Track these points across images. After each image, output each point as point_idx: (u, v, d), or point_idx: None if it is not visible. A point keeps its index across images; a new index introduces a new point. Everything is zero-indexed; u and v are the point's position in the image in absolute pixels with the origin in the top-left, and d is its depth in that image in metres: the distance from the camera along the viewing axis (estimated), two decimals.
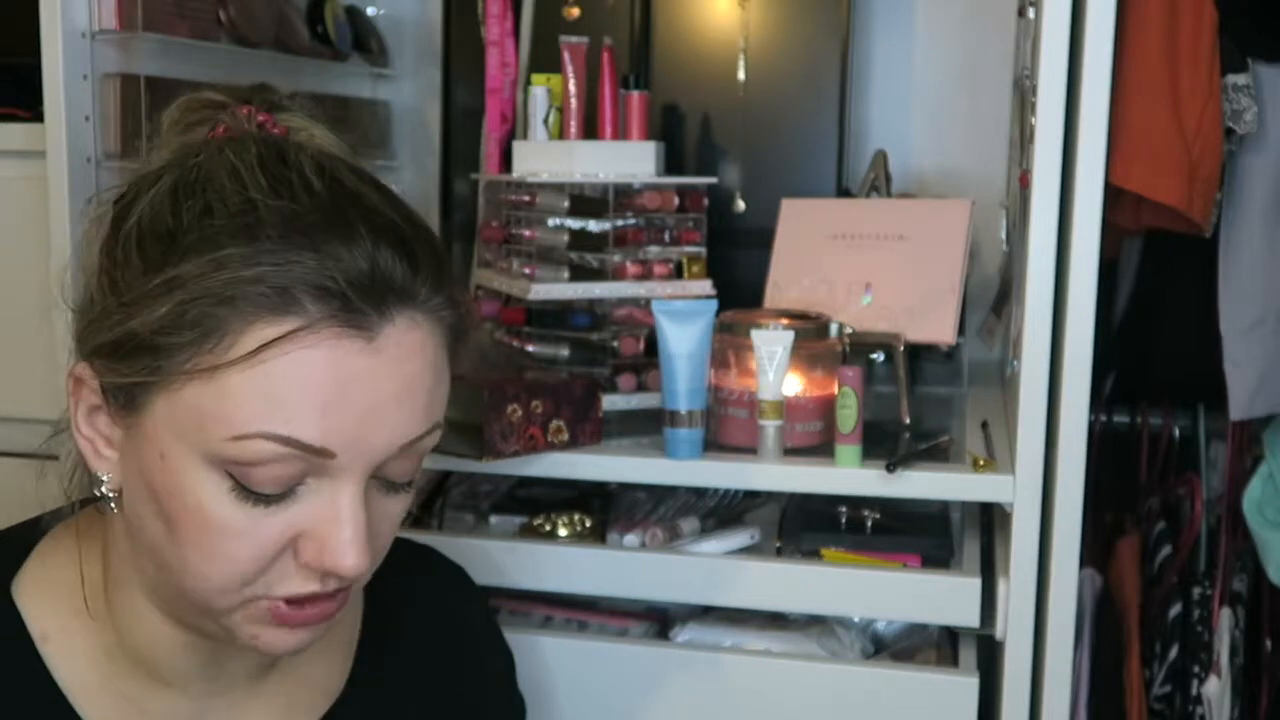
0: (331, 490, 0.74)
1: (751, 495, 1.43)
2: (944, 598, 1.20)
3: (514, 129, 1.67)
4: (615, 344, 1.41)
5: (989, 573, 1.23)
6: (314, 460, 0.73)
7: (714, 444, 1.28)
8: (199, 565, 0.74)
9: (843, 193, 1.70)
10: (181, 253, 0.72)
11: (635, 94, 1.47)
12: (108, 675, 0.83)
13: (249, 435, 0.71)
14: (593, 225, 1.41)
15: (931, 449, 1.26)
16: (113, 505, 0.79)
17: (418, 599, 1.00)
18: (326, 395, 0.72)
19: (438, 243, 0.80)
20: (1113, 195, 1.27)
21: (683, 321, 1.24)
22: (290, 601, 0.76)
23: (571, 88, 1.48)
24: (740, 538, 1.32)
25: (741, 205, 1.69)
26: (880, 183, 1.62)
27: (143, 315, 0.72)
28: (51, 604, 0.82)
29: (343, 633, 0.94)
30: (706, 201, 1.46)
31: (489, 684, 1.04)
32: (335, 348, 0.72)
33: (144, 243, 0.74)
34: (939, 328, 1.39)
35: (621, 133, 1.47)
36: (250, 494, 0.73)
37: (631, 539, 1.32)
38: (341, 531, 0.74)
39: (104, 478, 0.78)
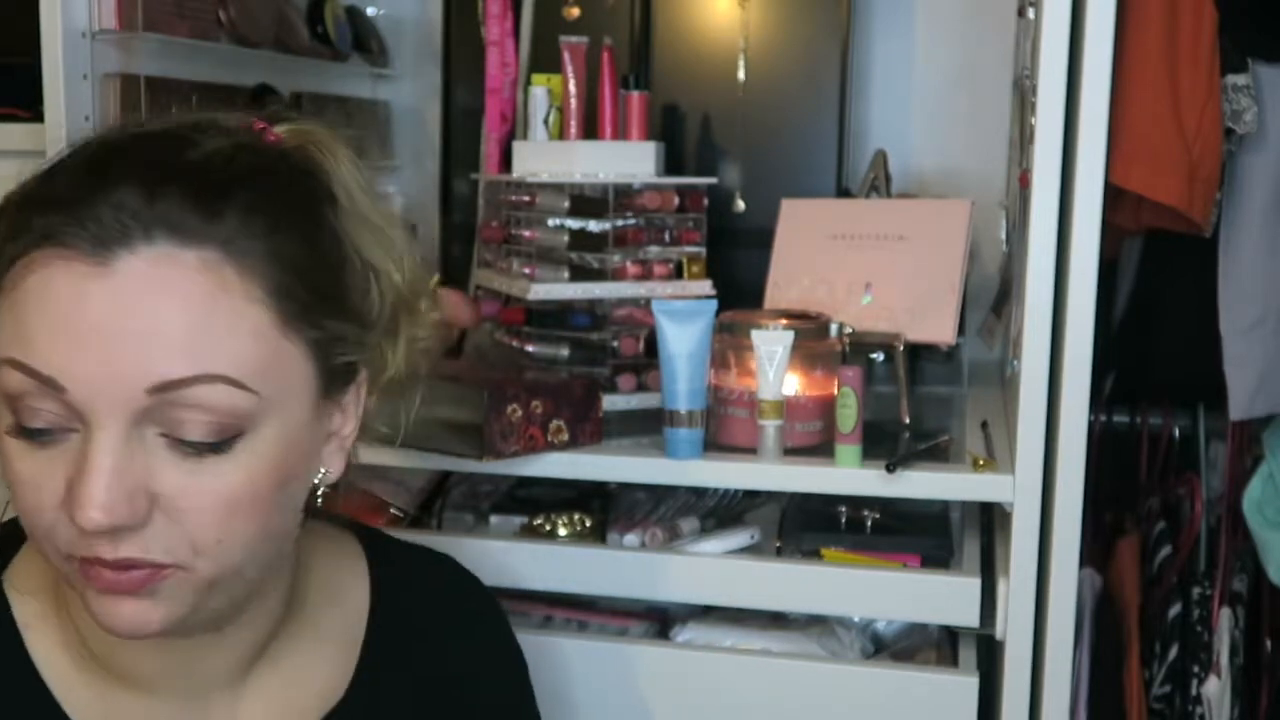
0: (91, 435, 0.70)
1: (751, 495, 1.43)
2: (944, 598, 1.20)
3: (514, 129, 1.67)
4: (615, 344, 1.41)
5: (989, 573, 1.23)
6: (56, 395, 0.69)
7: (714, 444, 1.28)
8: (25, 513, 0.73)
9: (843, 193, 1.70)
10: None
11: (635, 94, 1.47)
12: (85, 672, 0.81)
13: (3, 361, 0.71)
14: (593, 225, 1.41)
15: (931, 449, 1.26)
16: None
17: (431, 609, 0.98)
18: (57, 319, 0.69)
19: (246, 185, 0.75)
20: (1113, 195, 1.27)
21: (683, 321, 1.24)
22: (86, 561, 0.72)
23: (571, 88, 1.48)
24: (740, 538, 1.32)
25: (741, 205, 1.69)
26: (880, 183, 1.62)
27: None
28: (35, 596, 0.81)
29: (342, 635, 0.92)
30: (706, 201, 1.46)
31: (502, 699, 1.01)
32: (66, 271, 0.70)
33: None
34: (939, 328, 1.39)
35: (621, 133, 1.47)
36: (23, 431, 0.71)
37: (631, 539, 1.32)
38: (85, 480, 0.69)
39: None
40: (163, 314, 0.70)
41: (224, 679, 0.84)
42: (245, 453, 0.73)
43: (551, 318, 1.42)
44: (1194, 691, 1.53)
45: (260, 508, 0.75)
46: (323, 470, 0.82)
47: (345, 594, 0.93)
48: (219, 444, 0.72)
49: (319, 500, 0.84)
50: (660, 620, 1.36)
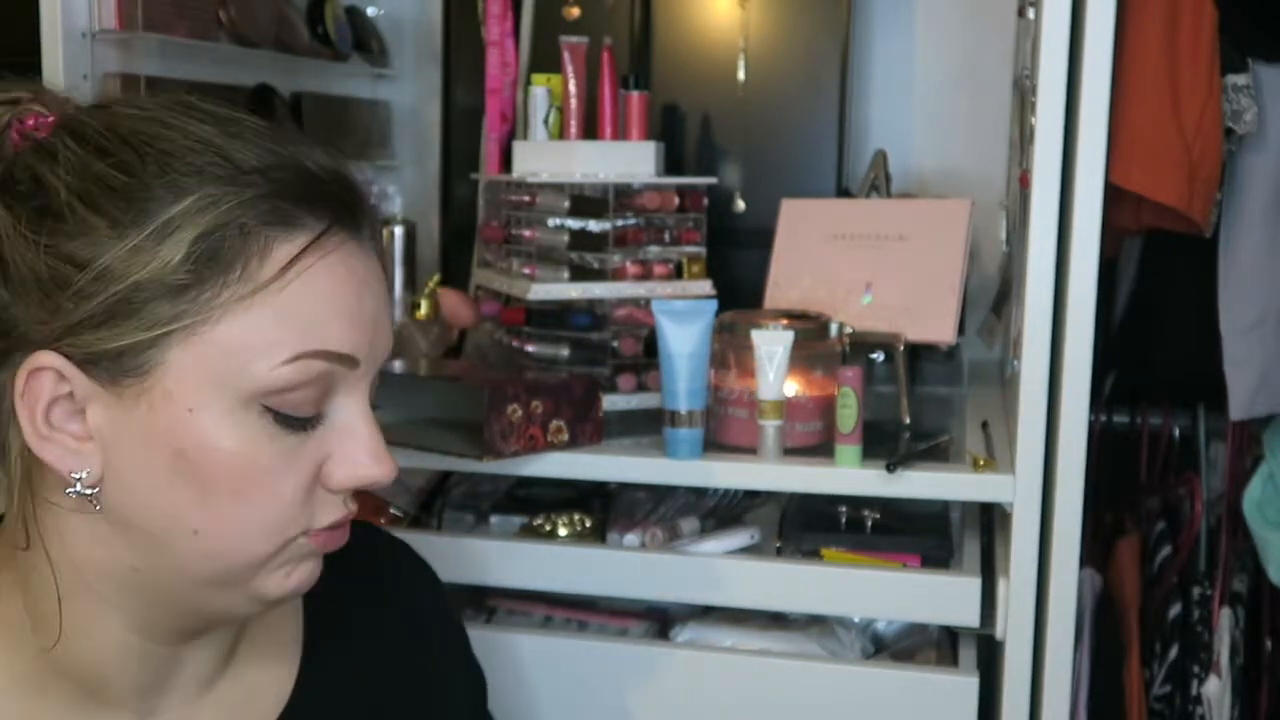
0: (350, 404, 0.76)
1: (751, 495, 1.43)
2: (944, 598, 1.20)
3: (514, 129, 1.67)
4: (615, 344, 1.41)
5: (989, 573, 1.23)
6: (341, 372, 0.74)
7: (714, 444, 1.28)
8: (244, 514, 0.73)
9: (843, 193, 1.70)
10: (160, 199, 0.70)
11: (635, 94, 1.47)
12: (36, 707, 0.78)
13: (296, 357, 0.71)
14: (593, 225, 1.41)
15: (931, 449, 1.26)
16: (95, 504, 0.73)
17: (362, 584, 0.96)
18: (349, 303, 0.74)
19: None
20: (1113, 195, 1.27)
21: (683, 321, 1.24)
22: (326, 530, 0.77)
23: (571, 88, 1.48)
24: (740, 538, 1.32)
25: (741, 205, 1.69)
26: (880, 183, 1.62)
27: (149, 266, 0.69)
28: None
29: (284, 634, 0.90)
30: (706, 201, 1.46)
31: (445, 664, 1.00)
32: (344, 253, 0.74)
33: (98, 205, 0.70)
34: (939, 328, 1.39)
35: (621, 133, 1.47)
36: (289, 422, 0.73)
37: (631, 539, 1.32)
38: (371, 439, 0.76)
39: (79, 475, 0.72)
40: (386, 282, 0.79)
41: (189, 691, 0.83)
42: None
43: (551, 318, 1.42)
44: (1194, 691, 1.53)
45: None
46: None
47: None
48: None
49: None
50: (660, 620, 1.36)
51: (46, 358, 0.71)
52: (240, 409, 0.71)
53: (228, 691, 0.85)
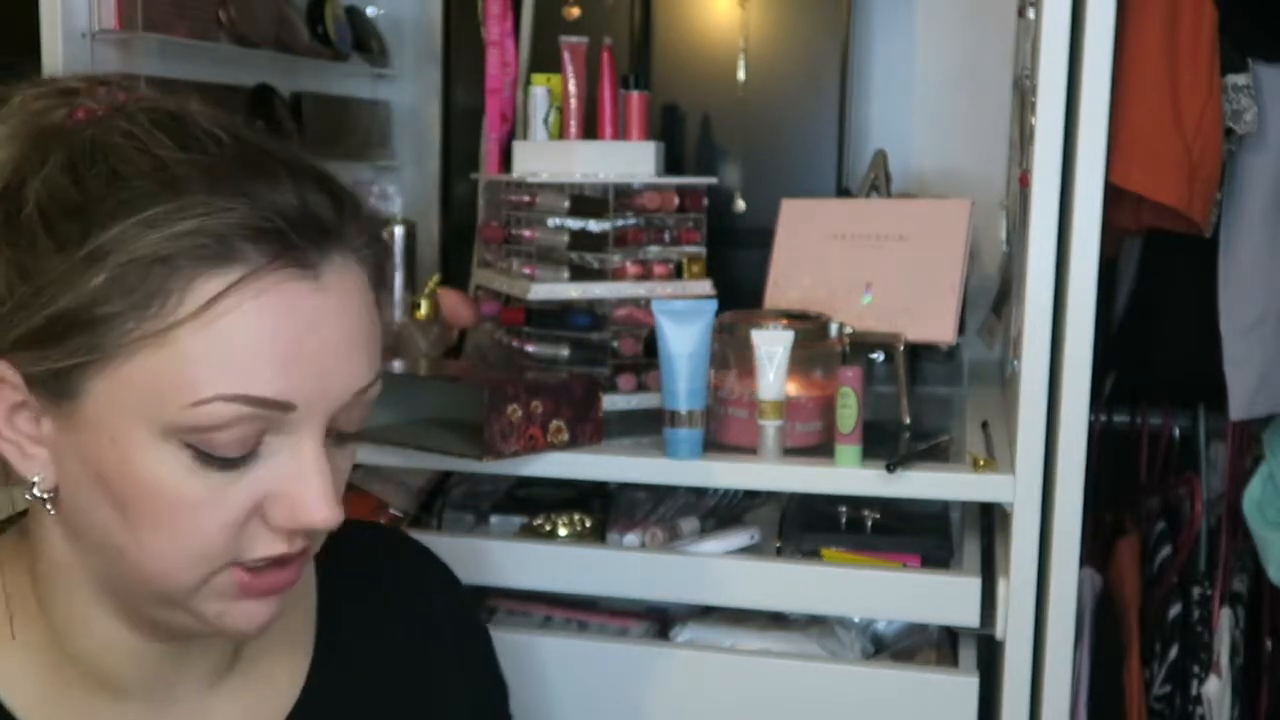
0: (293, 445, 0.72)
1: (751, 495, 1.43)
2: (944, 598, 1.20)
3: (514, 129, 1.67)
4: (615, 344, 1.41)
5: (989, 573, 1.23)
6: (275, 415, 0.70)
7: (714, 444, 1.28)
8: (163, 546, 0.71)
9: (843, 193, 1.70)
10: (100, 222, 0.68)
11: (635, 94, 1.47)
12: (54, 692, 0.79)
13: (208, 399, 0.68)
14: (593, 225, 1.41)
15: (931, 449, 1.26)
16: (49, 507, 0.74)
17: (379, 584, 0.97)
18: (284, 345, 0.69)
19: (348, 184, 0.77)
20: (1113, 195, 1.27)
21: (683, 321, 1.24)
22: (257, 570, 0.74)
23: (571, 88, 1.48)
24: (740, 538, 1.32)
25: (741, 205, 1.69)
26: (880, 183, 1.62)
27: (72, 291, 0.68)
28: None
29: (298, 627, 0.91)
30: (706, 201, 1.46)
31: (459, 667, 1.00)
32: (285, 291, 0.69)
33: (51, 222, 0.70)
34: (939, 328, 1.39)
35: (621, 133, 1.47)
36: (212, 461, 0.70)
37: (631, 539, 1.32)
38: (310, 485, 0.72)
39: (35, 479, 0.73)
40: (359, 322, 0.74)
41: (198, 685, 0.84)
42: (360, 439, 0.79)
43: (551, 318, 1.42)
44: (1194, 691, 1.53)
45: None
46: None
47: (298, 586, 0.92)
48: (360, 432, 0.78)
49: None
50: (660, 620, 1.36)
51: (2, 366, 0.72)
52: (160, 443, 0.69)
53: (241, 684, 0.86)
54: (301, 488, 0.72)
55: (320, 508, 0.72)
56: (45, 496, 0.74)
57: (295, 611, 0.91)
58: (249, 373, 0.69)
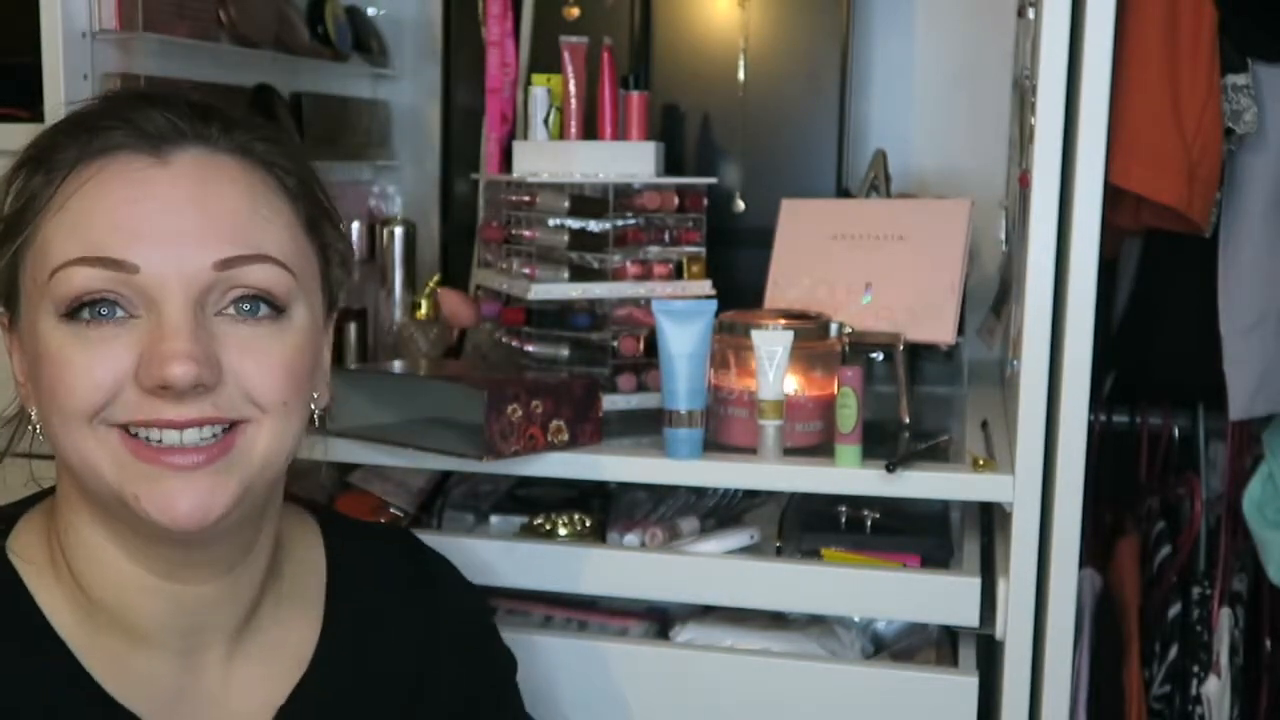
0: (157, 312, 0.79)
1: (751, 495, 1.43)
2: (944, 598, 1.20)
3: (514, 129, 1.67)
4: (615, 344, 1.41)
5: (989, 573, 1.23)
6: (123, 278, 0.78)
7: (714, 444, 1.28)
8: (55, 410, 0.79)
9: (843, 193, 1.70)
10: (25, 151, 0.84)
11: (635, 94, 1.47)
12: (93, 634, 0.85)
13: (60, 265, 0.78)
14: (593, 225, 1.41)
15: (931, 449, 1.26)
16: (40, 435, 0.84)
17: (386, 577, 1.02)
18: (121, 209, 0.79)
19: (267, 125, 0.88)
20: (1113, 195, 1.27)
21: (683, 321, 1.24)
22: (149, 442, 0.79)
23: (571, 88, 1.48)
24: (740, 538, 1.32)
25: (741, 205, 1.69)
26: (880, 183, 1.62)
27: (4, 201, 0.83)
28: (36, 567, 0.86)
29: (309, 605, 0.96)
30: (706, 201, 1.46)
31: (463, 654, 1.04)
32: (124, 167, 0.80)
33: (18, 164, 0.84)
34: (939, 328, 1.39)
35: (621, 133, 1.47)
36: (80, 323, 0.78)
37: (631, 539, 1.32)
38: (165, 340, 0.78)
39: (31, 410, 0.84)
40: (220, 199, 0.81)
41: (217, 638, 0.89)
42: (288, 329, 0.84)
43: (551, 318, 1.42)
44: (1194, 691, 1.53)
45: (300, 385, 0.85)
46: (315, 395, 0.90)
47: (308, 565, 0.98)
48: (269, 317, 0.82)
49: (317, 420, 0.92)
50: (660, 620, 1.36)
51: None
52: (50, 318, 0.79)
53: (256, 651, 0.92)
54: (159, 342, 0.78)
55: (172, 359, 0.77)
56: (38, 426, 0.83)
57: (305, 590, 0.96)
58: (93, 236, 0.79)
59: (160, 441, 0.79)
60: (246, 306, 0.81)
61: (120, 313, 0.79)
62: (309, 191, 0.88)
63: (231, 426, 0.81)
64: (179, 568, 0.85)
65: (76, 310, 0.78)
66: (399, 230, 1.69)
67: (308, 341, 0.85)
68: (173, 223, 0.79)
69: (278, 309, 0.83)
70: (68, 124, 0.83)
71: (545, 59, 1.63)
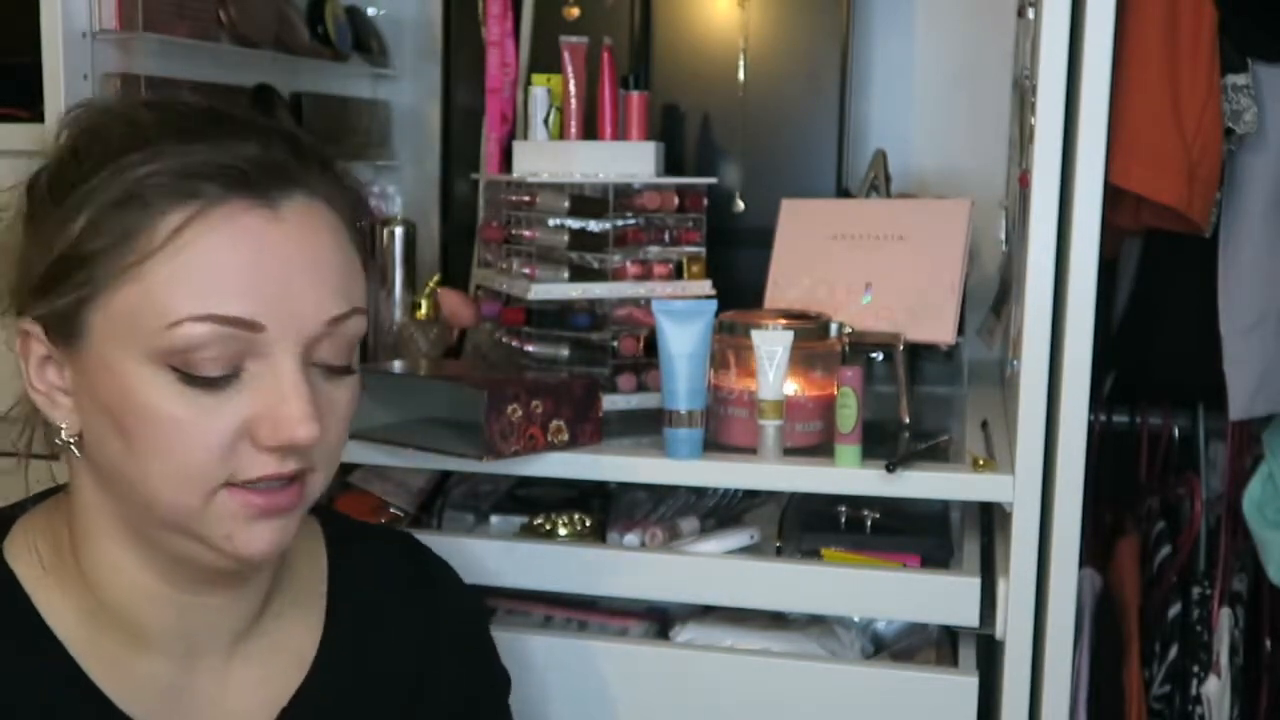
0: (271, 369, 0.79)
1: (751, 495, 1.43)
2: (944, 598, 1.20)
3: (514, 129, 1.67)
4: (615, 344, 1.41)
5: (989, 573, 1.23)
6: (246, 336, 0.77)
7: (714, 444, 1.28)
8: (160, 467, 0.78)
9: (843, 193, 1.70)
10: (83, 176, 0.78)
11: (635, 94, 1.47)
12: (93, 635, 0.85)
13: (179, 320, 0.76)
14: (593, 225, 1.41)
15: (931, 449, 1.26)
16: (76, 451, 0.82)
17: (385, 578, 1.02)
18: (243, 267, 0.77)
19: (320, 144, 0.86)
20: (1113, 195, 1.27)
21: (683, 321, 1.24)
22: (255, 489, 0.80)
23: (571, 88, 1.48)
24: (740, 538, 1.32)
25: (741, 205, 1.69)
26: (880, 183, 1.62)
27: (63, 236, 0.77)
28: (34, 569, 0.86)
29: (310, 606, 0.96)
30: (706, 201, 1.46)
31: (460, 662, 1.04)
32: (243, 220, 0.78)
33: (51, 187, 0.80)
34: (939, 328, 1.39)
35: (621, 133, 1.47)
36: (195, 381, 0.77)
37: (631, 539, 1.32)
38: (289, 404, 0.78)
39: (62, 426, 0.82)
40: (326, 252, 0.81)
41: (219, 644, 0.90)
42: (353, 381, 0.86)
43: (551, 318, 1.42)
44: (1194, 691, 1.53)
45: (349, 426, 0.87)
46: None
47: (310, 566, 0.98)
48: (345, 370, 0.84)
49: None
50: (660, 620, 1.36)
51: (25, 322, 0.82)
52: (148, 366, 0.77)
53: (256, 652, 0.92)
54: (282, 407, 0.78)
55: (300, 423, 0.78)
56: (72, 441, 0.82)
57: (307, 592, 0.96)
58: (215, 294, 0.76)
59: (262, 489, 0.81)
60: (336, 363, 0.83)
61: (235, 372, 0.78)
62: (364, 235, 0.89)
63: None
64: (201, 584, 0.86)
65: (191, 366, 0.77)
66: (399, 230, 1.69)
67: (359, 387, 0.87)
68: (292, 281, 0.79)
69: (351, 362, 0.85)
70: (164, 156, 0.78)
71: (545, 59, 1.63)
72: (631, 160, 1.44)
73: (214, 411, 0.78)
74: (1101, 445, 1.72)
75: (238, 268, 0.77)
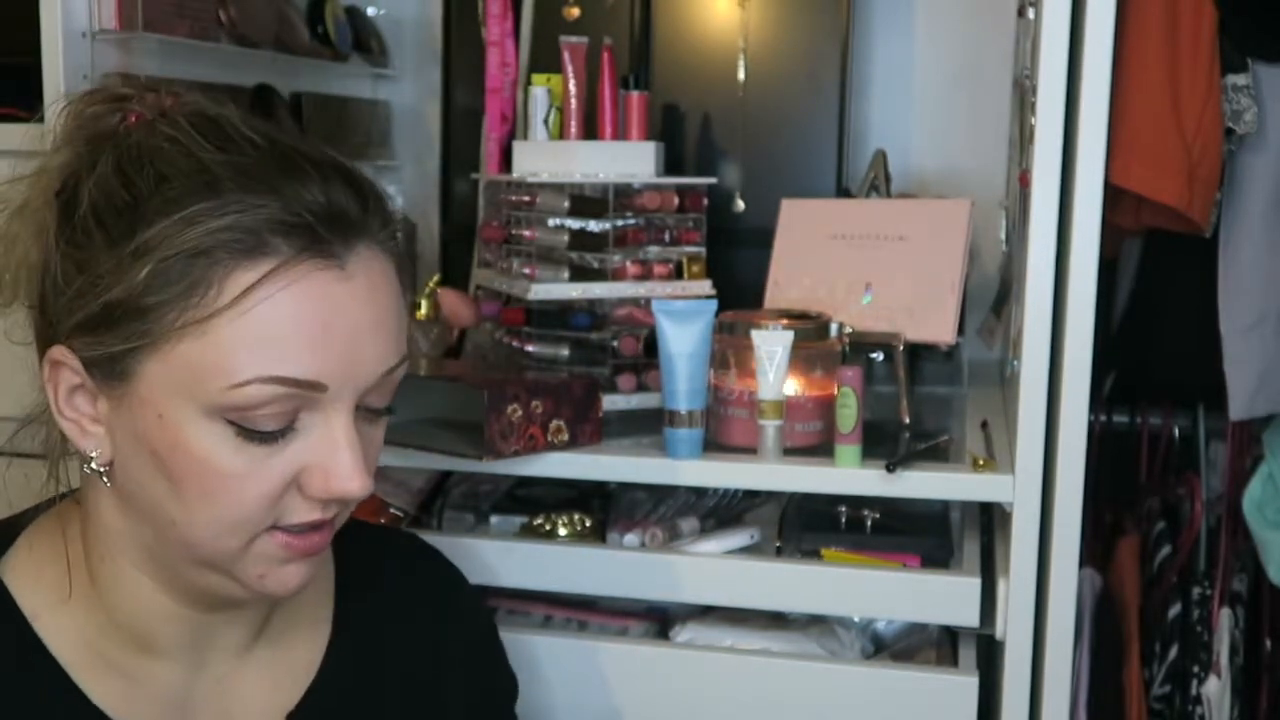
0: (325, 421, 0.79)
1: (751, 495, 1.43)
2: (944, 598, 1.20)
3: (514, 129, 1.67)
4: (615, 344, 1.41)
5: (989, 573, 1.23)
6: (308, 395, 0.77)
7: (714, 444, 1.28)
8: (208, 514, 0.77)
9: (843, 193, 1.70)
10: (147, 219, 0.75)
11: (635, 94, 1.47)
12: (99, 650, 0.85)
13: (246, 381, 0.75)
14: (593, 225, 1.41)
15: (931, 449, 1.26)
16: (105, 480, 0.81)
17: (394, 581, 1.02)
18: (313, 329, 0.76)
19: (371, 180, 0.84)
20: (1113, 195, 1.27)
21: (683, 321, 1.24)
22: (294, 532, 0.80)
23: (571, 88, 1.48)
24: (740, 538, 1.32)
25: (741, 205, 1.69)
26: (880, 183, 1.62)
27: (123, 283, 0.75)
28: (37, 585, 0.85)
29: (317, 613, 0.96)
30: (706, 201, 1.46)
31: (467, 663, 1.04)
32: (313, 281, 0.76)
33: (103, 219, 0.77)
34: (939, 327, 1.39)
35: (621, 133, 1.47)
36: (253, 436, 0.76)
37: (631, 539, 1.32)
38: (342, 457, 0.79)
39: (92, 454, 0.80)
40: (386, 307, 0.81)
41: (230, 651, 0.90)
42: (386, 421, 0.86)
43: (551, 318, 1.42)
44: (1194, 691, 1.53)
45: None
46: None
47: (318, 571, 0.96)
48: (390, 407, 0.85)
49: None
50: (660, 620, 1.36)
51: (59, 351, 0.79)
52: (205, 419, 0.76)
53: (265, 658, 0.92)
54: (335, 460, 0.79)
55: (352, 478, 0.79)
56: (101, 470, 0.80)
57: (315, 597, 0.96)
58: (282, 356, 0.75)
59: (300, 533, 0.81)
60: (379, 407, 0.83)
61: (290, 424, 0.78)
62: (410, 267, 0.90)
63: None
64: (217, 605, 0.86)
65: (249, 421, 0.76)
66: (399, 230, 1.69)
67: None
68: (357, 340, 0.79)
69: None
70: (233, 208, 0.75)
71: (545, 59, 1.63)
72: (631, 160, 1.44)
73: (266, 463, 0.77)
74: (1101, 445, 1.72)
75: (306, 330, 0.76)
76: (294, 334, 0.75)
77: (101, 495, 0.83)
